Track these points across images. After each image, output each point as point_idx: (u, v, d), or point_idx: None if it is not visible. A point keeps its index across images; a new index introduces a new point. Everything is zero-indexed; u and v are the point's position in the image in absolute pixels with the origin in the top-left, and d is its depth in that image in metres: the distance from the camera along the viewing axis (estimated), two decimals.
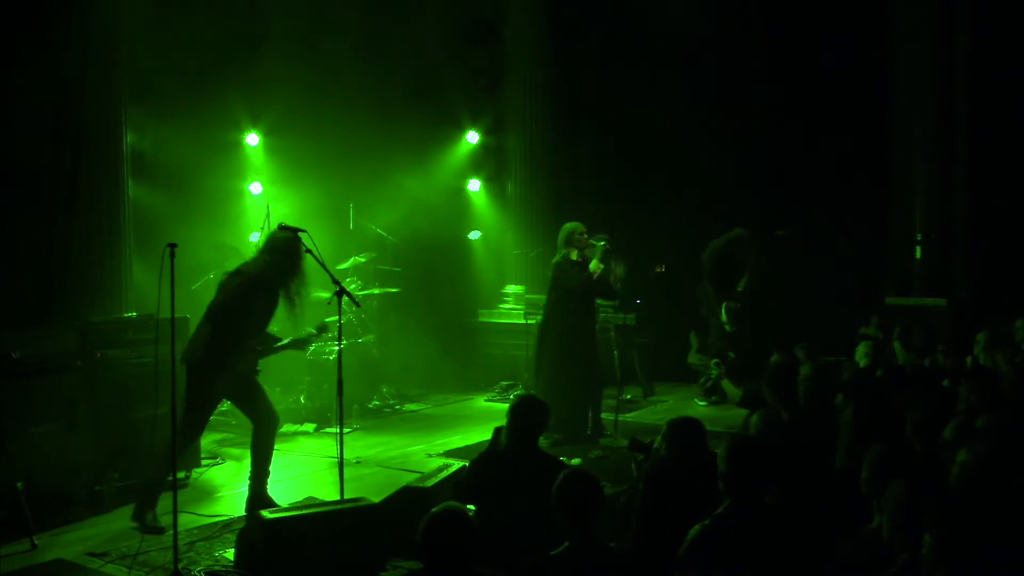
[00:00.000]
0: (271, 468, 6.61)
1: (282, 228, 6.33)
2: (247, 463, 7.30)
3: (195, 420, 6.31)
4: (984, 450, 3.92)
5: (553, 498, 3.94)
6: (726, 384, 8.73)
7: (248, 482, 6.55)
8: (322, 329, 6.65)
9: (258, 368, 6.49)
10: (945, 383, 6.95)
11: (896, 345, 9.14)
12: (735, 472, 3.94)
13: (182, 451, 6.34)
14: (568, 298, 8.67)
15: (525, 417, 5.18)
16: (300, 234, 6.23)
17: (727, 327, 10.60)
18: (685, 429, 4.99)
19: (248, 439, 6.85)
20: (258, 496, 6.48)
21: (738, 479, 3.93)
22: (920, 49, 11.27)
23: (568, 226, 8.79)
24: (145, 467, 6.42)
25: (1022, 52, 10.64)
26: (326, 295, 7.28)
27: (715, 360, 9.83)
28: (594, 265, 8.56)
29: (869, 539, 3.94)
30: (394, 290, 10.55)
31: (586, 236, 8.70)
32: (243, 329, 6.20)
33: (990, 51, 10.85)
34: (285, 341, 6.60)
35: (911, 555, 3.51)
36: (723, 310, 10.62)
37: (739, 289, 10.49)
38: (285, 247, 6.27)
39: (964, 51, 11.01)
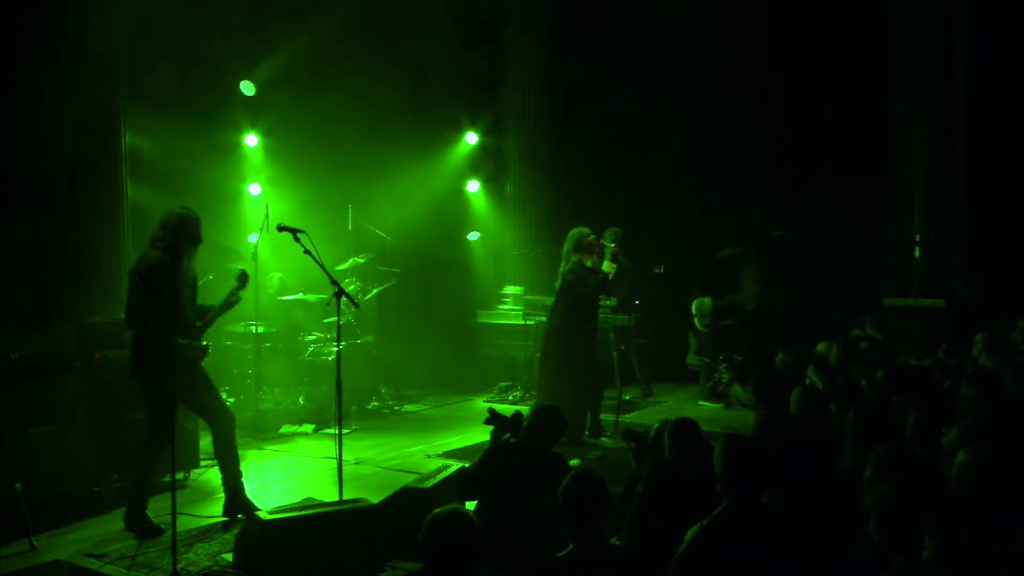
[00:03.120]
0: (267, 465, 6.57)
1: (280, 229, 6.31)
2: (243, 465, 7.29)
3: (159, 425, 6.14)
4: (983, 451, 3.92)
5: (559, 499, 3.94)
6: (737, 389, 8.73)
7: (223, 487, 6.49)
8: (242, 278, 6.51)
9: (204, 343, 6.44)
10: (947, 384, 6.95)
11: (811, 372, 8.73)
12: (732, 472, 3.93)
13: (156, 457, 6.28)
14: (580, 303, 8.68)
15: (546, 428, 5.34)
16: (299, 235, 6.20)
17: (697, 324, 10.62)
18: (682, 430, 5.01)
19: (244, 439, 6.88)
20: (236, 500, 6.44)
21: (735, 479, 3.93)
22: (919, 50, 11.27)
23: (575, 232, 8.78)
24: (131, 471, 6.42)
25: (1022, 53, 10.65)
26: (324, 296, 7.31)
27: (725, 364, 9.86)
28: (606, 266, 8.60)
29: (867, 541, 3.93)
30: (392, 282, 10.51)
31: (595, 238, 8.73)
32: (159, 319, 6.06)
33: (989, 52, 10.85)
34: (216, 306, 6.54)
35: (905, 558, 3.49)
36: (693, 307, 10.64)
37: (750, 310, 10.51)
38: (169, 223, 6.23)
39: (964, 52, 11.01)
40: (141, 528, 6.12)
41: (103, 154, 7.90)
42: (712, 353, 10.64)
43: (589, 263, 8.68)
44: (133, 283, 6.13)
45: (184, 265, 6.29)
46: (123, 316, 7.52)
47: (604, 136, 12.52)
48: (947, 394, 6.33)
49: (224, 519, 6.37)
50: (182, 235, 6.23)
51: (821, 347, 8.41)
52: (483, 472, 5.20)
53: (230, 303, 6.53)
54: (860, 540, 3.89)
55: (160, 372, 6.05)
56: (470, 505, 5.03)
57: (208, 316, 6.52)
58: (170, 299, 6.16)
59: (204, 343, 6.47)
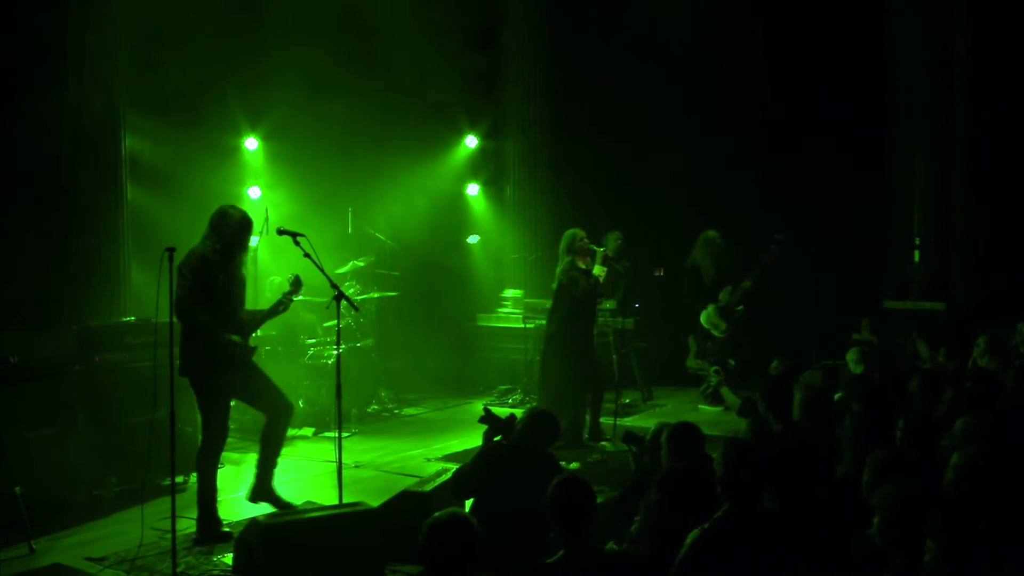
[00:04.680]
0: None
1: (280, 232, 6.31)
2: (246, 467, 7.29)
3: (213, 426, 6.21)
4: (976, 453, 3.91)
5: (547, 506, 3.95)
6: (725, 392, 8.75)
7: (255, 472, 6.49)
8: (296, 284, 6.44)
9: (252, 346, 6.43)
10: (946, 386, 6.93)
11: (920, 344, 9.18)
12: (732, 476, 3.93)
13: (215, 458, 6.32)
14: (576, 305, 8.68)
15: (540, 433, 5.35)
16: (299, 238, 6.20)
17: (714, 332, 10.63)
18: (683, 435, 5.02)
19: (248, 443, 6.84)
20: (264, 488, 6.44)
21: (735, 483, 3.92)
22: (919, 53, 11.26)
23: (569, 233, 8.84)
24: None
25: (1021, 56, 10.64)
26: (324, 299, 7.30)
27: (715, 368, 9.84)
28: (597, 270, 8.62)
29: (867, 544, 3.92)
30: (392, 294, 10.54)
31: (587, 241, 8.75)
32: (205, 312, 6.00)
33: (989, 56, 10.84)
34: (265, 310, 6.54)
35: (906, 560, 3.49)
36: (703, 317, 10.64)
37: (747, 287, 10.48)
38: (211, 219, 6.21)
39: (963, 55, 10.99)
40: (213, 533, 6.12)
41: (103, 157, 7.90)
42: (717, 358, 10.63)
43: (582, 265, 8.70)
44: (181, 275, 5.97)
45: (234, 264, 6.22)
46: (127, 319, 7.58)
47: (604, 138, 12.52)
48: (947, 397, 6.31)
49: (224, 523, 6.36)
50: (224, 232, 6.17)
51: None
52: (477, 472, 5.21)
53: (280, 307, 6.49)
54: (860, 542, 3.88)
55: (211, 374, 6.06)
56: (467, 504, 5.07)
57: (256, 319, 6.50)
58: (220, 295, 6.11)
59: (252, 345, 6.46)
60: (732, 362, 10.43)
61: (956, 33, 11.00)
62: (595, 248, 8.73)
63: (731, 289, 10.55)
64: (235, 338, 6.13)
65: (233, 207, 6.34)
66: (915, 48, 11.28)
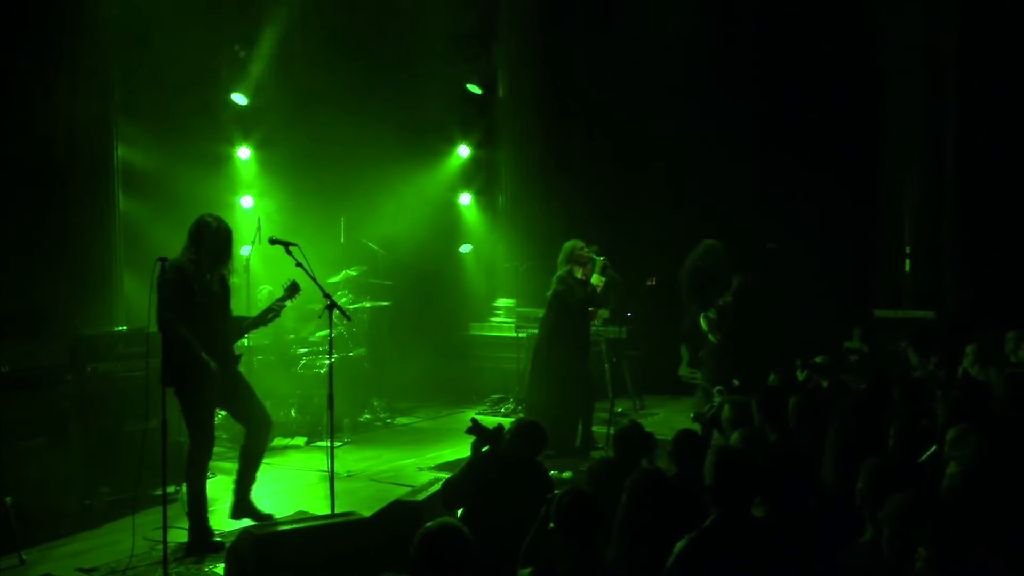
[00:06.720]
0: (259, 478, 6.57)
1: (272, 242, 6.31)
2: (236, 477, 7.24)
3: (198, 433, 6.18)
4: (973, 462, 3.93)
5: (553, 518, 3.96)
6: (726, 411, 8.76)
7: (234, 488, 6.47)
8: (292, 288, 6.42)
9: (237, 354, 6.40)
10: (937, 395, 6.95)
11: (910, 353, 9.23)
12: (721, 484, 3.93)
13: (203, 468, 6.27)
14: (569, 313, 8.71)
15: (527, 444, 5.36)
16: (291, 247, 6.20)
17: (711, 338, 10.62)
18: (688, 442, 5.04)
19: (236, 452, 6.76)
20: (243, 503, 6.43)
21: (725, 491, 3.92)
22: (909, 62, 11.33)
23: (568, 244, 8.89)
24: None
25: (1012, 66, 10.71)
26: (316, 307, 7.31)
27: (718, 388, 9.83)
28: (596, 279, 8.67)
29: (862, 553, 3.93)
30: (385, 303, 10.53)
31: (587, 251, 8.79)
32: (185, 325, 5.95)
33: (979, 65, 10.91)
34: (253, 317, 6.54)
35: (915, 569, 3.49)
36: (702, 320, 10.62)
37: (723, 302, 10.48)
38: (190, 230, 6.16)
39: (953, 64, 11.07)
40: (204, 543, 6.10)
41: (95, 166, 7.91)
42: (715, 372, 10.58)
43: (580, 274, 8.73)
44: (160, 289, 5.92)
45: (210, 277, 6.14)
46: (119, 328, 7.58)
47: (596, 148, 12.54)
48: (937, 405, 6.33)
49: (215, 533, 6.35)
50: (201, 244, 6.11)
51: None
52: (466, 482, 5.23)
53: (269, 314, 6.46)
54: (855, 551, 3.89)
55: (189, 383, 6.03)
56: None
57: (243, 326, 6.46)
58: (198, 307, 6.05)
59: (237, 354, 6.43)
60: (736, 382, 10.40)
61: (945, 44, 11.07)
62: (596, 257, 8.77)
63: (726, 298, 10.54)
64: (212, 364, 6.03)
65: (211, 216, 6.24)
66: (905, 59, 11.35)
